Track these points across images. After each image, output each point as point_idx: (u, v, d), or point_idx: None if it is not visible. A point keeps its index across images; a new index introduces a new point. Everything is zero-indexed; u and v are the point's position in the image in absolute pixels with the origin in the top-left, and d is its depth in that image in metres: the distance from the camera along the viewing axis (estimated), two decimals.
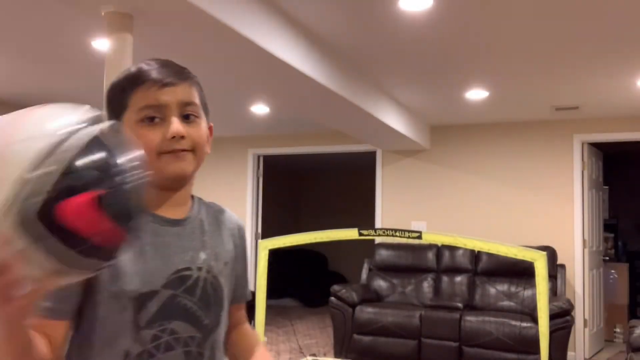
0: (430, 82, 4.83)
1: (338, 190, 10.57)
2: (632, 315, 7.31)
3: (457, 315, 5.32)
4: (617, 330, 6.94)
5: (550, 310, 4.59)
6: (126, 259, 1.02)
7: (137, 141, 0.99)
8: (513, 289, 5.80)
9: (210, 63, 3.67)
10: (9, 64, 4.46)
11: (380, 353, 5.50)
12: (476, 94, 5.17)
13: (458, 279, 6.05)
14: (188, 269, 1.08)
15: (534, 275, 3.69)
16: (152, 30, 3.07)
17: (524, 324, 5.06)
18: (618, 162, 7.92)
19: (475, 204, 6.44)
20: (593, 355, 6.09)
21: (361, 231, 4.05)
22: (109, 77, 2.82)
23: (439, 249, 6.27)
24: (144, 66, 1.09)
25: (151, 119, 1.06)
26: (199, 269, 1.09)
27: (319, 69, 3.94)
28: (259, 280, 4.07)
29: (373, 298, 6.04)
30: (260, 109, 5.87)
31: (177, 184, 1.11)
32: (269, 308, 4.67)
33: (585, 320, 5.98)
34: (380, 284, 6.29)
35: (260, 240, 4.24)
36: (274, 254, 4.85)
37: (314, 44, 3.85)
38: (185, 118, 1.08)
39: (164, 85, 1.06)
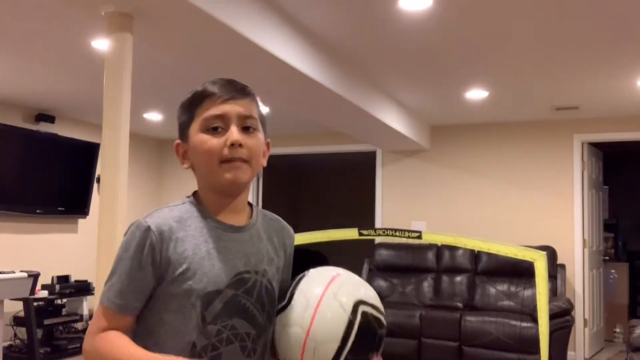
0: (430, 82, 4.83)
1: (338, 190, 10.56)
2: (632, 314, 7.31)
3: (457, 315, 5.32)
4: (617, 330, 6.93)
5: (550, 310, 4.59)
6: (196, 261, 1.15)
7: (202, 147, 1.18)
8: (513, 288, 5.80)
9: (210, 63, 3.67)
10: (8, 63, 4.46)
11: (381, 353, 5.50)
12: (476, 94, 5.17)
13: (458, 278, 6.05)
14: (247, 272, 1.20)
15: (534, 275, 3.69)
16: (152, 30, 3.07)
17: (524, 324, 5.06)
18: (618, 162, 7.91)
19: (475, 204, 6.44)
20: (593, 355, 6.09)
21: (361, 231, 4.04)
22: (109, 77, 2.82)
23: (439, 249, 6.27)
24: (209, 84, 1.22)
25: (215, 129, 1.19)
26: (256, 272, 1.21)
27: (318, 68, 3.94)
28: None
29: None
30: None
31: (233, 190, 1.22)
32: None
33: (585, 320, 5.98)
34: (380, 283, 6.29)
35: None
36: None
37: (313, 43, 3.85)
38: (245, 130, 1.20)
39: (228, 99, 1.20)
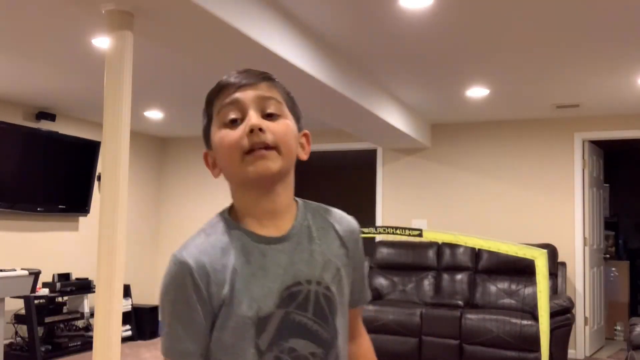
0: (430, 80, 4.83)
1: (339, 188, 10.57)
2: (633, 313, 7.31)
3: (457, 313, 5.32)
4: (618, 328, 6.94)
5: (551, 308, 4.59)
6: (241, 286, 1.01)
7: (221, 144, 1.04)
8: (514, 286, 5.80)
9: (210, 61, 3.67)
10: (9, 61, 4.46)
11: (381, 351, 5.51)
12: (477, 92, 5.17)
13: (459, 277, 6.05)
14: (297, 284, 1.04)
15: (535, 273, 3.69)
16: (152, 28, 3.07)
17: (525, 322, 5.06)
18: (619, 160, 7.91)
19: (475, 202, 6.44)
20: (593, 353, 6.09)
21: (362, 229, 4.04)
22: (110, 75, 2.82)
23: (439, 247, 6.27)
24: (224, 77, 1.08)
25: (233, 122, 1.03)
26: (308, 282, 1.05)
27: (319, 67, 3.94)
28: None
29: (374, 296, 6.04)
30: None
31: (265, 186, 1.05)
32: None
33: (585, 318, 5.99)
34: (381, 282, 6.29)
35: None
36: None
37: (314, 42, 3.85)
38: (269, 117, 1.04)
39: (241, 86, 1.05)
